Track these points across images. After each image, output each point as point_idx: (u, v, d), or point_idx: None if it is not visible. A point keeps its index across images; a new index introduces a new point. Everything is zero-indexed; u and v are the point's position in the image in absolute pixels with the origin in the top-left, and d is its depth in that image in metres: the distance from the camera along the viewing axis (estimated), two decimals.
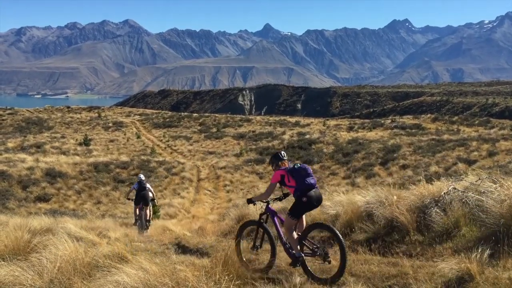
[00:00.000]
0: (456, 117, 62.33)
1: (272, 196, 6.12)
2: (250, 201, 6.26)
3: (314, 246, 5.43)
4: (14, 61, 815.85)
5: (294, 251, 5.49)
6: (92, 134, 54.66)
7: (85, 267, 4.65)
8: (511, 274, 4.22)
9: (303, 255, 5.38)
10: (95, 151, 41.57)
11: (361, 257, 5.91)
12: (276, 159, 6.06)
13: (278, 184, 5.86)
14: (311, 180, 5.52)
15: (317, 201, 5.52)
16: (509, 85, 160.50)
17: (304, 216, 5.81)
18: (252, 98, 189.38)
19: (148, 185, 15.22)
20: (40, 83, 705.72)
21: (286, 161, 6.03)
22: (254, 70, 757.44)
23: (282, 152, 6.16)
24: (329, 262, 5.30)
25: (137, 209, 14.57)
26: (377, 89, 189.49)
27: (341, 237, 5.15)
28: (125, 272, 4.17)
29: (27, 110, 79.27)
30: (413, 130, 48.06)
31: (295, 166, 5.69)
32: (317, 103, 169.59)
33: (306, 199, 5.42)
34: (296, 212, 5.53)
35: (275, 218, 6.03)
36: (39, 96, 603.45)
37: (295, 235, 5.55)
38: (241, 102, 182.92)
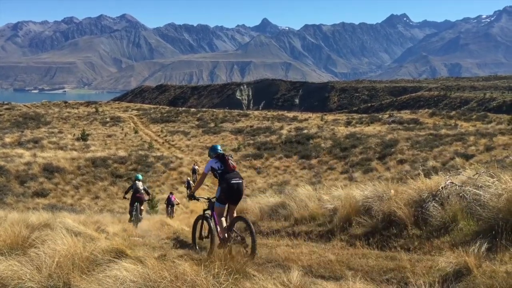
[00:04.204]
0: (453, 112, 62.44)
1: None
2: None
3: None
4: (11, 56, 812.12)
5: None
6: (90, 129, 54.58)
7: (84, 262, 4.65)
8: (508, 268, 4.24)
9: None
10: (93, 146, 41.53)
11: (359, 251, 5.93)
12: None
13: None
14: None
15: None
16: (507, 79, 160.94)
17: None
18: (250, 93, 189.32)
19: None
20: (37, 78, 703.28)
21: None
22: (252, 65, 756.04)
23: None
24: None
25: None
26: (375, 84, 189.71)
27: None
28: (124, 266, 4.17)
29: (24, 105, 79.16)
30: (411, 125, 48.15)
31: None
32: (315, 98, 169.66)
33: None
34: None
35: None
36: (36, 91, 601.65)
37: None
38: (238, 97, 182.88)
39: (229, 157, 6.72)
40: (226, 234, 6.49)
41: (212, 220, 6.85)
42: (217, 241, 6.63)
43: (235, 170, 6.67)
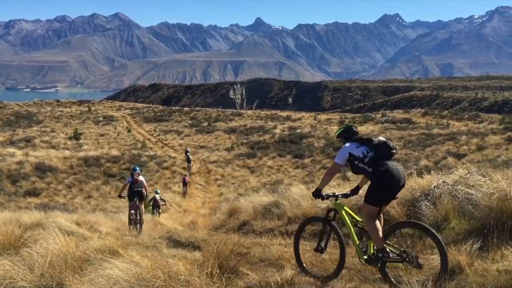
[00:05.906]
0: (446, 112, 62.71)
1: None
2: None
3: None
4: (3, 54, 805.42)
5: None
6: (82, 128, 54.29)
7: (76, 261, 4.62)
8: (499, 266, 4.27)
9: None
10: (86, 145, 41.30)
11: (352, 250, 5.94)
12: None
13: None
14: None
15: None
16: (498, 79, 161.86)
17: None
18: (243, 92, 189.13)
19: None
20: (29, 76, 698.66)
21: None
22: (245, 64, 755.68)
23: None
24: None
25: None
26: (368, 83, 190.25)
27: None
28: (116, 266, 4.15)
29: (16, 104, 78.48)
30: (403, 125, 48.33)
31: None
32: (308, 97, 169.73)
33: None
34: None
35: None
36: (28, 89, 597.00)
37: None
38: (232, 96, 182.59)
39: (136, 175, 12.28)
40: (133, 217, 11.86)
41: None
42: (128, 222, 12.00)
43: (138, 182, 12.21)
